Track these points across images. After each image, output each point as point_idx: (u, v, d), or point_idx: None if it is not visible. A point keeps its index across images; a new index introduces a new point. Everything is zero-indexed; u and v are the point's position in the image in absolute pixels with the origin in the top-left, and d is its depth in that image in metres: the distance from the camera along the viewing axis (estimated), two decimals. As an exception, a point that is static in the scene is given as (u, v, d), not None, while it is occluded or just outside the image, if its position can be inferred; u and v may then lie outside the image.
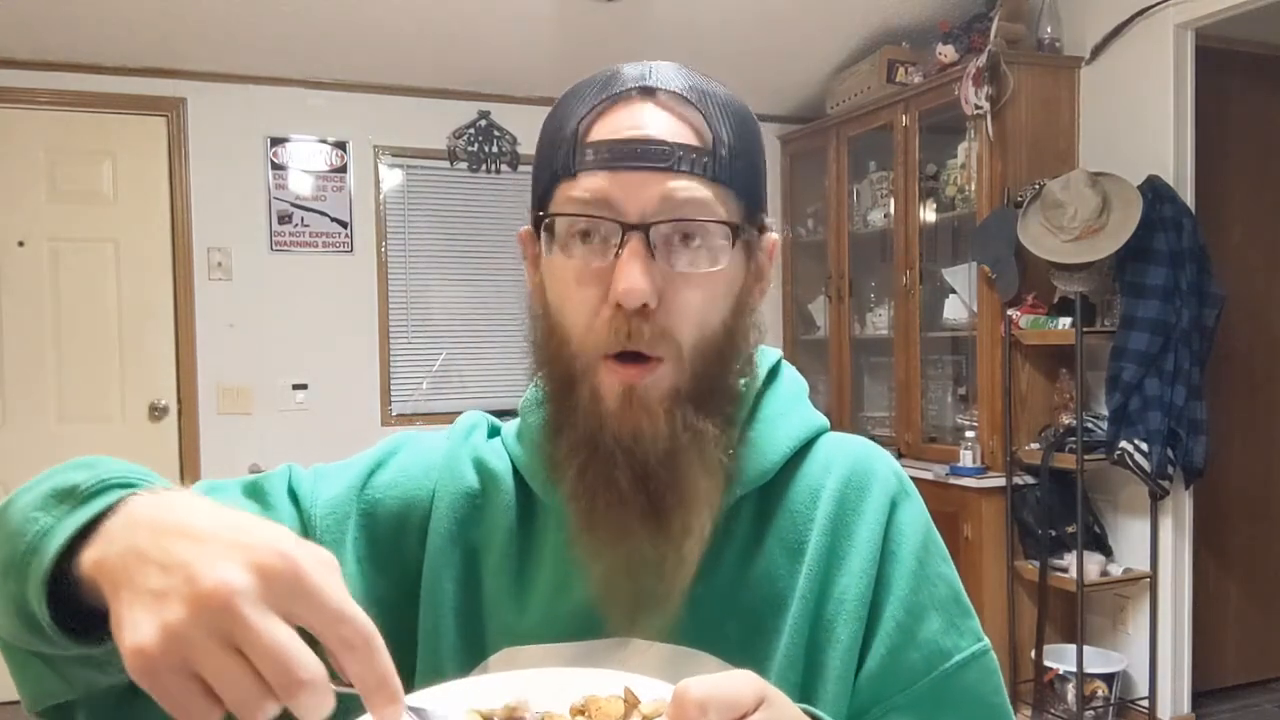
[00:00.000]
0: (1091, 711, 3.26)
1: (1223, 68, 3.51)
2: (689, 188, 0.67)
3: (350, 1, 3.58)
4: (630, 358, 0.67)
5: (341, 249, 4.22)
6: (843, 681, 0.70)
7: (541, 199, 0.71)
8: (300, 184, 4.16)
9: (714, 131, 0.69)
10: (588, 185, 0.67)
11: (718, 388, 0.71)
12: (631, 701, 0.58)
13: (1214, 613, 3.60)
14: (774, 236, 0.76)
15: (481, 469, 0.79)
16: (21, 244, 3.82)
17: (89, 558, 0.51)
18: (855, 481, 0.75)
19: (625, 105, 0.69)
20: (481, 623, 0.75)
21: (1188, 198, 3.24)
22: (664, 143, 0.67)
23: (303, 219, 4.16)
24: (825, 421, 0.80)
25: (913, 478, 0.80)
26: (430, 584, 0.75)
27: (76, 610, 0.53)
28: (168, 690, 0.44)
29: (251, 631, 0.44)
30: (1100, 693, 3.27)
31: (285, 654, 0.44)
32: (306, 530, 0.76)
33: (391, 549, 0.77)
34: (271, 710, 0.45)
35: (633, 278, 0.65)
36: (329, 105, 4.18)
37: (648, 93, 0.69)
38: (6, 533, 0.57)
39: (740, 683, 0.51)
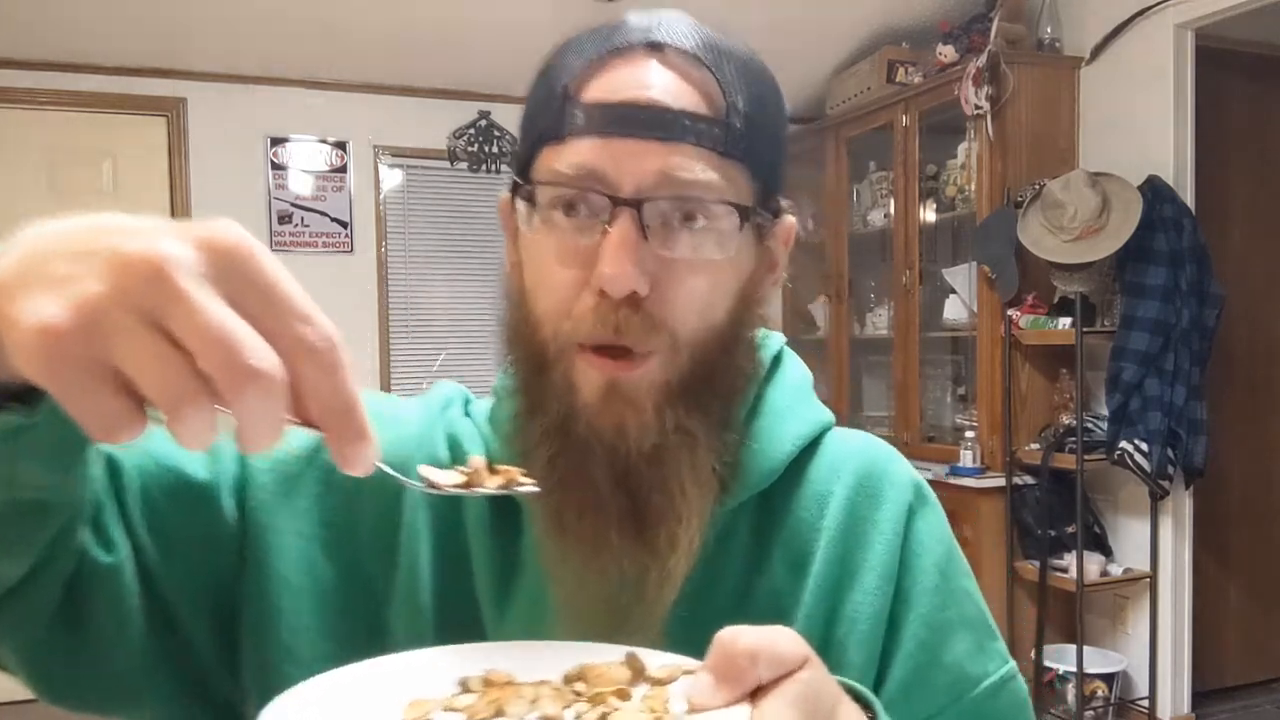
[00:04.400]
0: (1091, 712, 3.26)
1: (1223, 68, 3.51)
2: (693, 161, 0.57)
3: (350, 2, 3.58)
4: (615, 351, 0.58)
5: (341, 249, 4.22)
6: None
7: (525, 165, 0.62)
8: (300, 184, 4.16)
9: (728, 97, 0.59)
10: (576, 152, 0.58)
11: (716, 385, 0.61)
12: (636, 667, 0.51)
13: (1214, 613, 3.59)
14: (791, 220, 0.67)
15: (455, 447, 0.68)
16: (21, 244, 3.83)
17: None
18: (867, 487, 0.67)
19: (627, 62, 0.59)
20: (467, 613, 0.65)
21: (1188, 198, 3.23)
22: (668, 109, 0.58)
23: (303, 219, 4.16)
24: (831, 416, 0.71)
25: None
26: (407, 571, 0.65)
27: None
28: (77, 385, 0.35)
29: (185, 303, 0.34)
30: (1100, 693, 3.27)
31: (230, 334, 0.35)
32: (243, 484, 0.64)
33: (347, 524, 0.66)
34: (206, 409, 0.36)
35: (619, 261, 0.55)
36: (329, 105, 4.18)
37: (654, 48, 0.60)
38: None
39: (788, 639, 0.46)
